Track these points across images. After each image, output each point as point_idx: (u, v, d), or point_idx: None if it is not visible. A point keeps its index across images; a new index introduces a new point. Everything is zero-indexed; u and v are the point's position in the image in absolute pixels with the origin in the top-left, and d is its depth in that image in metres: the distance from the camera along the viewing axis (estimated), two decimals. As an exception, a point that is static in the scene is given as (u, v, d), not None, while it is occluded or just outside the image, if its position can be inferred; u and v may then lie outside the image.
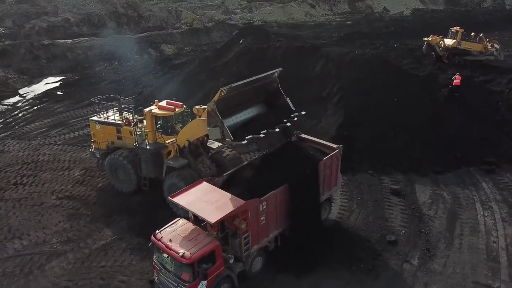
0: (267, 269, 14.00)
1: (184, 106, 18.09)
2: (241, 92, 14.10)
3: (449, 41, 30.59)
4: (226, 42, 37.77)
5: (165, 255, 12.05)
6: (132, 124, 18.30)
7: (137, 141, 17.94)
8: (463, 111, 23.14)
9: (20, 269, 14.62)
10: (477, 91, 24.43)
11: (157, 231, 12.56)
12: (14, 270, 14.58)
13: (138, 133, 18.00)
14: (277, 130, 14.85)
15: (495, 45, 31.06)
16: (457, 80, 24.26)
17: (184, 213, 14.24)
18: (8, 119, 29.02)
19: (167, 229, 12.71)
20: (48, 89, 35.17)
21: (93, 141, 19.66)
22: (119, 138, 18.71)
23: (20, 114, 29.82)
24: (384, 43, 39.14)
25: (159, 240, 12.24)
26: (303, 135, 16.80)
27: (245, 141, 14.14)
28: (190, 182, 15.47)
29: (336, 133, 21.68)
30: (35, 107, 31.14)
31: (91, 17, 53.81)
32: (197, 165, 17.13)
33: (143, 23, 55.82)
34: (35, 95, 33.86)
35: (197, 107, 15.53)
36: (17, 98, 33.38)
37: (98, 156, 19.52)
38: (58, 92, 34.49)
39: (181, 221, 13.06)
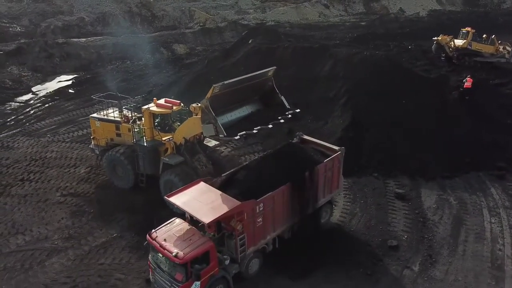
0: (264, 271, 13.84)
1: (182, 104, 18.16)
2: (235, 89, 14.21)
3: (459, 42, 30.07)
4: (235, 42, 37.64)
5: (160, 254, 12.04)
6: (131, 121, 18.51)
7: (135, 138, 18.15)
8: (474, 114, 22.60)
9: (21, 264, 14.80)
10: (488, 94, 23.87)
11: (152, 230, 12.56)
12: (15, 265, 14.75)
13: (136, 130, 18.20)
14: (270, 126, 14.91)
15: (508, 48, 30.38)
16: (468, 82, 23.76)
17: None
18: (19, 116, 29.48)
19: (163, 228, 12.69)
20: (60, 87, 35.53)
21: (92, 138, 20.07)
22: (118, 135, 19.03)
23: (32, 112, 30.22)
24: (398, 45, 38.60)
25: (154, 239, 12.24)
26: (305, 136, 16.64)
27: (237, 137, 14.19)
28: (186, 179, 15.55)
29: (342, 134, 21.37)
30: (47, 105, 31.53)
31: (105, 16, 54.38)
32: (193, 162, 17.21)
33: (156, 23, 56.15)
34: (47, 92, 34.29)
35: (194, 105, 15.59)
36: (29, 96, 33.84)
37: (98, 153, 19.92)
38: (70, 90, 34.83)
39: (178, 221, 13.02)
